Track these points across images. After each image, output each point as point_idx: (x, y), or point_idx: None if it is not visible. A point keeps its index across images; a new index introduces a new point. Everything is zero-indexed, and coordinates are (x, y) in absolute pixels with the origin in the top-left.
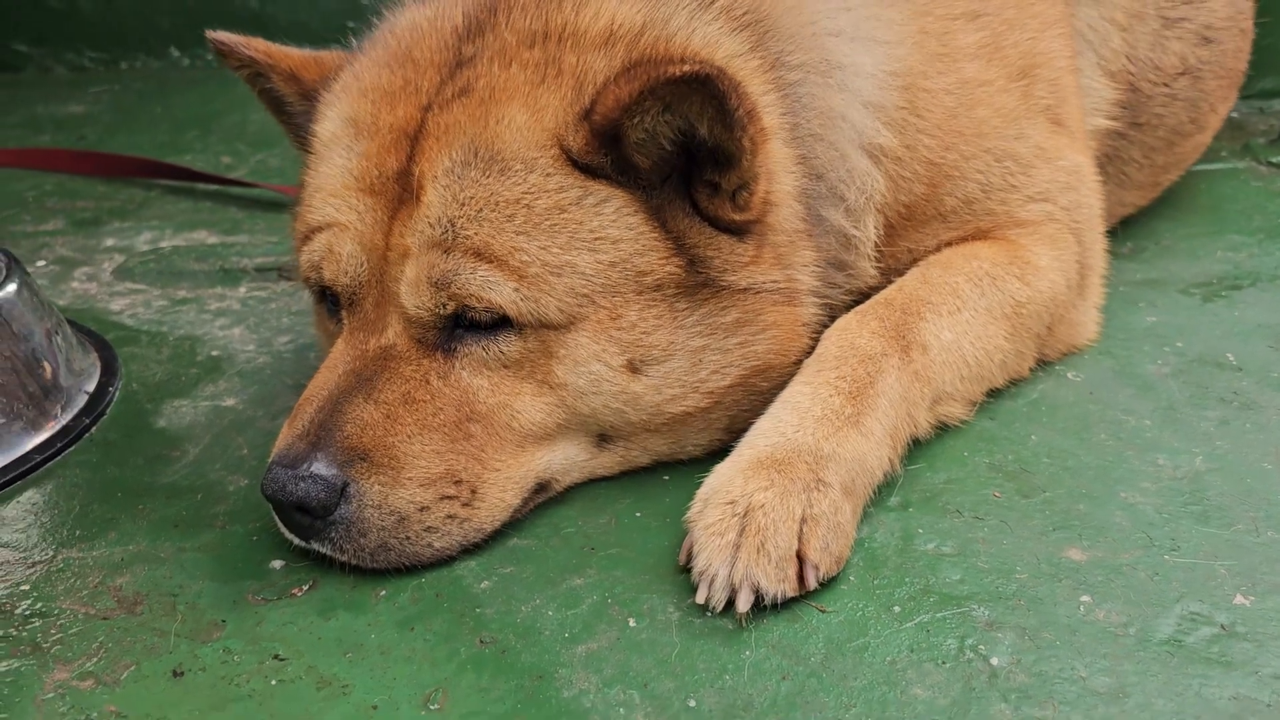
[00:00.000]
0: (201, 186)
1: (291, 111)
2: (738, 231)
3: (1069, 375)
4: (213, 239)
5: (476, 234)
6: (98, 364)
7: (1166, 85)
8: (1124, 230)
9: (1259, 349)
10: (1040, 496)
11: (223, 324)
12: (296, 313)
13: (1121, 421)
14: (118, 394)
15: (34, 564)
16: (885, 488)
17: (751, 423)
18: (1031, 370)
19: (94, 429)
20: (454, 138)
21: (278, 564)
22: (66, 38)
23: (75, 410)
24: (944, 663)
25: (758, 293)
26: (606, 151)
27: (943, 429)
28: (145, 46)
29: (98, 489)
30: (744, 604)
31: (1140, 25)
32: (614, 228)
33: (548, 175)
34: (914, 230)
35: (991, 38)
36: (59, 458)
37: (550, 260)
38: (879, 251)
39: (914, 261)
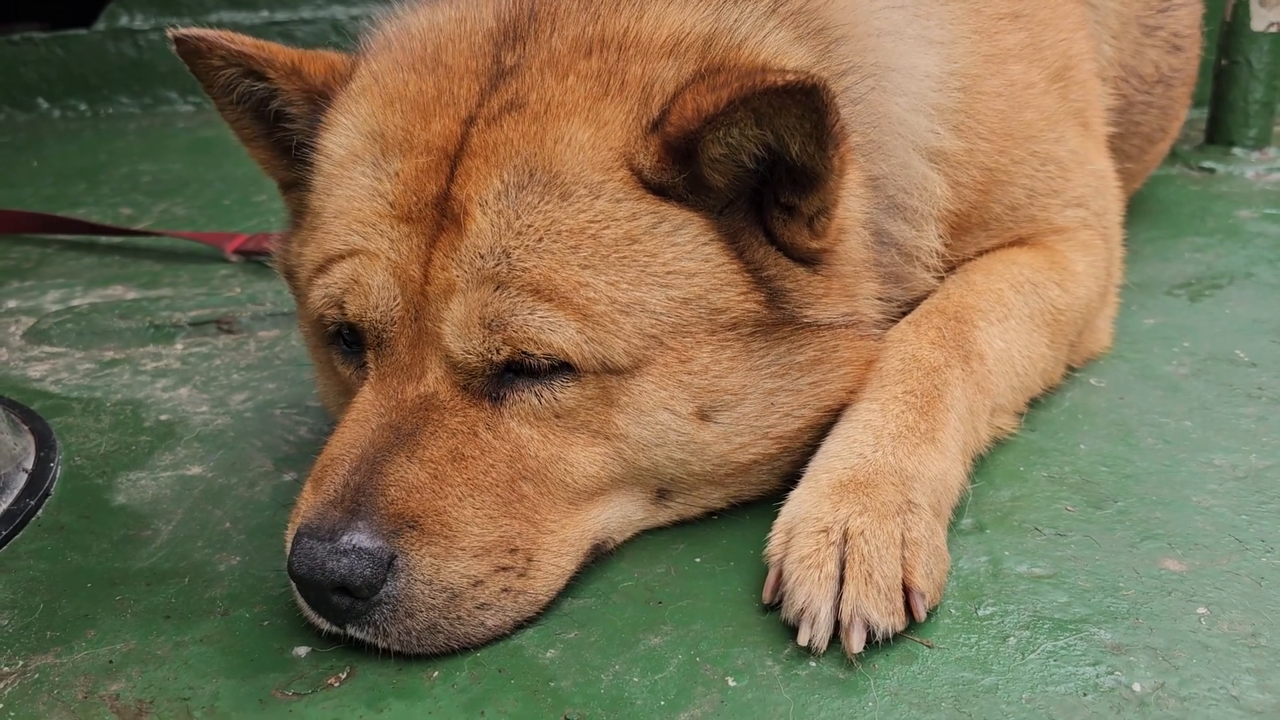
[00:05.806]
0: (105, 240)
1: (290, 116)
2: (810, 261)
3: (1092, 381)
4: (132, 294)
5: (536, 267)
6: (31, 438)
7: (1148, 93)
8: None
9: (1265, 344)
10: (1113, 507)
11: (165, 385)
12: (248, 368)
13: (1162, 424)
14: (60, 470)
15: (0, 677)
16: (954, 509)
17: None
18: (1062, 378)
19: (40, 511)
20: (505, 157)
21: (301, 651)
22: None
23: (15, 492)
24: (1085, 694)
25: (833, 328)
26: (680, 169)
27: (991, 443)
28: (10, 99)
29: (62, 581)
30: (857, 643)
31: (1126, 33)
32: (690, 259)
33: (617, 201)
34: (956, 239)
35: (1032, 38)
36: (4, 547)
37: (619, 297)
38: (942, 260)
39: (952, 271)
